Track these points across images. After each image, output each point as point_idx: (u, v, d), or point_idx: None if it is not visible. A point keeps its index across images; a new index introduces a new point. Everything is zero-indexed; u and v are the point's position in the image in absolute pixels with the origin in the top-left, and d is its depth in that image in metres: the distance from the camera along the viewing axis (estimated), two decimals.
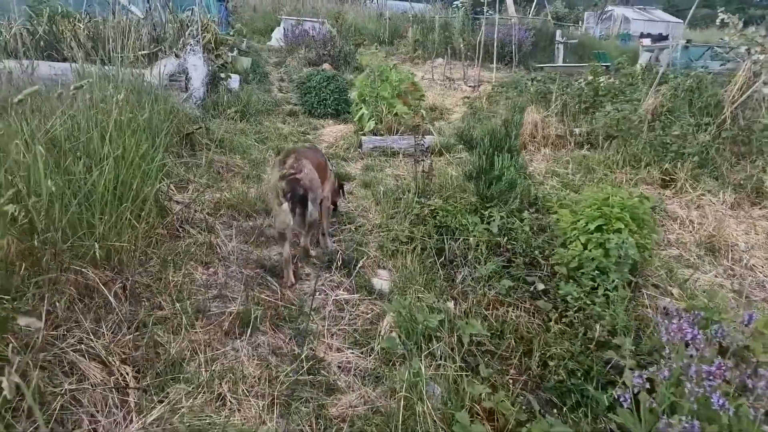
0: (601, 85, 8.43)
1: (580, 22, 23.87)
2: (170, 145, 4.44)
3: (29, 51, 5.57)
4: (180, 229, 3.65)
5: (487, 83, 11.97)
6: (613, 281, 3.26)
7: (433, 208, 4.30)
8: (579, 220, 3.72)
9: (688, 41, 19.96)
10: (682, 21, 26.65)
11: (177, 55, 7.05)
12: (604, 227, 3.62)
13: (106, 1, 6.34)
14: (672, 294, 3.97)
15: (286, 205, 3.30)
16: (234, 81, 9.25)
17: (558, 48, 17.62)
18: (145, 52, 6.63)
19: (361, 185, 5.13)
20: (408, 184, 4.92)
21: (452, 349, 2.91)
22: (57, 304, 2.31)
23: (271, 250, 3.74)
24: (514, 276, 3.73)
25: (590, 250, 3.57)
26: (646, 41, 21.24)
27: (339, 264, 3.63)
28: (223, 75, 8.23)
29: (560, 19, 20.52)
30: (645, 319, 3.44)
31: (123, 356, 2.50)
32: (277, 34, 16.59)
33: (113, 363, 2.42)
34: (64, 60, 5.85)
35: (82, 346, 2.41)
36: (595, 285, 3.41)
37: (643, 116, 6.21)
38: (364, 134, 6.56)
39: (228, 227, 3.90)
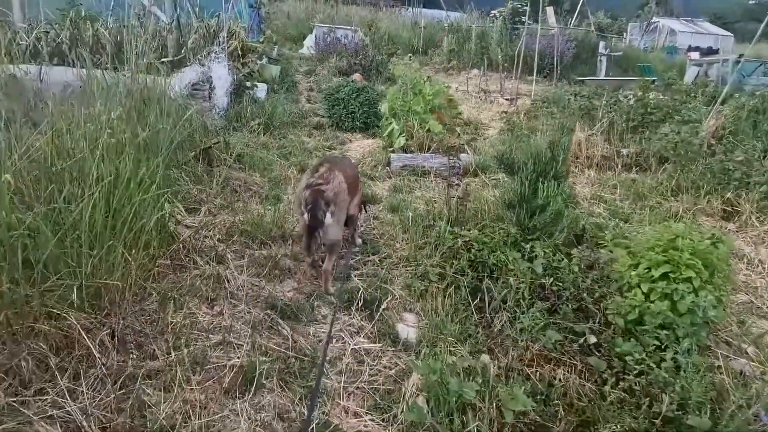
0: (651, 102, 7.83)
1: (623, 34, 22.98)
2: (184, 162, 4.11)
3: (55, 55, 5.37)
4: (186, 258, 3.29)
5: (525, 96, 11.42)
6: (684, 342, 2.73)
7: (467, 239, 3.83)
8: (639, 263, 3.20)
9: (740, 55, 18.89)
10: (731, 34, 25.38)
11: (201, 63, 6.80)
12: (671, 275, 3.09)
13: (132, 5, 6.14)
14: (746, 353, 3.39)
15: (306, 216, 3.12)
16: (261, 90, 8.99)
17: (601, 60, 16.89)
18: (168, 59, 6.40)
19: (388, 209, 4.70)
20: (440, 211, 4.46)
21: (491, 422, 2.44)
22: (23, 362, 1.95)
23: (285, 285, 3.33)
24: (560, 325, 3.23)
25: (653, 302, 3.04)
26: (695, 55, 20.21)
27: (360, 304, 3.20)
28: (249, 84, 7.97)
29: (603, 30, 19.76)
30: (719, 387, 2.90)
31: (103, 421, 2.12)
32: (309, 42, 16.42)
33: (90, 431, 2.05)
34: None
35: (54, 411, 2.04)
36: (660, 345, 2.89)
37: (705, 139, 5.60)
38: (393, 151, 6.14)
39: (240, 257, 3.51)
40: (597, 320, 3.31)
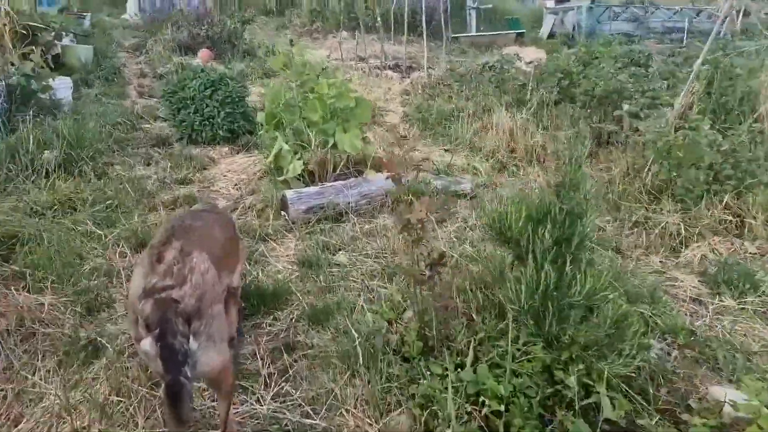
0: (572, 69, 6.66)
1: None
2: None
3: None
4: None
5: (414, 66, 9.76)
6: None
7: (478, 395, 2.12)
8: None
9: (593, 1, 19.15)
10: None
11: None
12: None
13: None
14: None
15: (148, 344, 1.69)
16: (62, 88, 6.13)
17: (470, 14, 15.80)
18: None
19: (310, 318, 2.73)
20: (402, 304, 2.66)
21: None
22: None
23: None
24: None
25: None
26: (550, 3, 20.17)
27: None
28: (35, 85, 5.14)
29: None
30: None
31: None
32: (133, 5, 12.93)
33: None
34: None
35: None
36: None
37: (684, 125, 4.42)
38: (285, 181, 4.08)
39: None
40: None
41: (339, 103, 3.95)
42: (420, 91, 7.50)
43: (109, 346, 2.34)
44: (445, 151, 5.55)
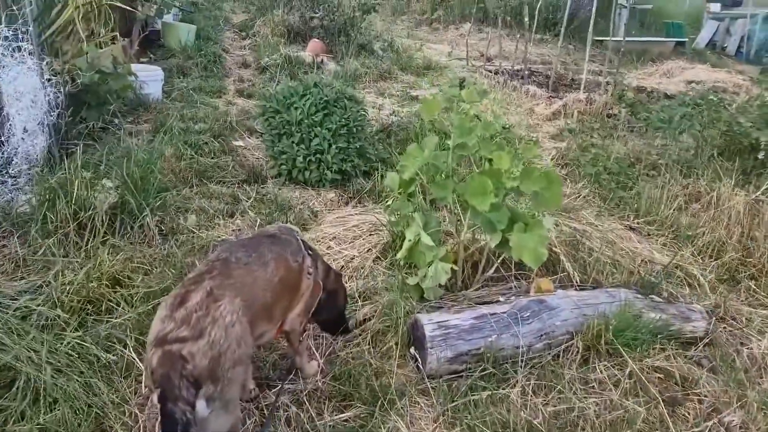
0: None
1: None
2: None
3: None
4: None
5: (544, 73, 7.93)
6: None
7: None
8: None
9: None
10: None
11: None
12: None
13: None
14: None
15: (156, 400, 1.50)
16: (151, 82, 5.15)
17: (620, 14, 13.35)
18: None
19: None
20: None
21: None
22: None
23: None
24: None
25: None
26: (714, 6, 16.97)
27: None
28: (114, 83, 4.11)
29: None
30: None
31: None
32: None
33: None
34: None
35: None
36: None
37: None
38: (417, 284, 2.69)
39: None
40: None
41: (525, 186, 2.46)
42: (577, 121, 5.78)
43: None
44: (631, 229, 3.88)
